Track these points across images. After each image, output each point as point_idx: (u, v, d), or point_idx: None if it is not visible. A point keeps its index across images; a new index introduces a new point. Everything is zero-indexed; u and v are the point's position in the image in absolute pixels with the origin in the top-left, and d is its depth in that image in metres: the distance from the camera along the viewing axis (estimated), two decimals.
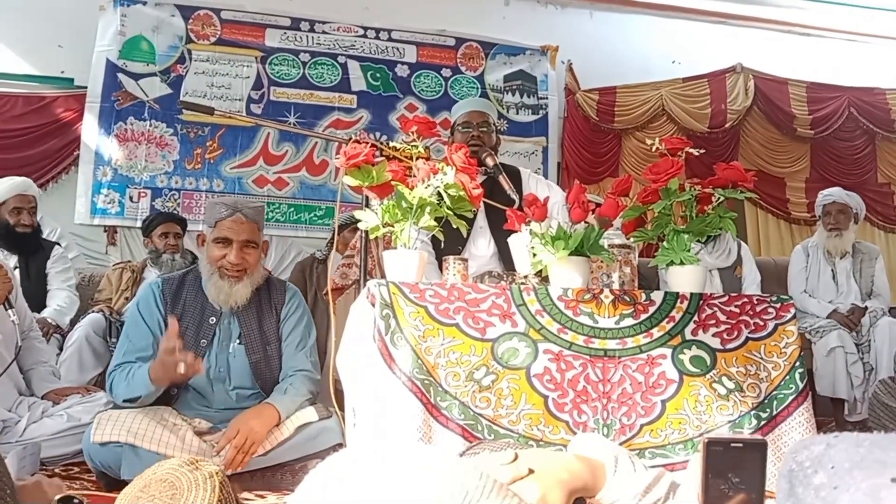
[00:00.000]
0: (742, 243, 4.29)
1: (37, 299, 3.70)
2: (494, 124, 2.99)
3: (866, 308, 4.07)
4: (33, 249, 3.90)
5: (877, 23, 6.38)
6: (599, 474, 0.94)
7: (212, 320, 2.46)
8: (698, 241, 2.26)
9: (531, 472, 0.88)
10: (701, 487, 0.78)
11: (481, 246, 2.81)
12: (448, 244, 2.55)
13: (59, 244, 4.13)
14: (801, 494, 0.50)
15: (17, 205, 3.83)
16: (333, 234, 4.54)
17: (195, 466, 1.23)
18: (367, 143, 2.05)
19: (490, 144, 2.87)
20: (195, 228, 4.82)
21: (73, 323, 3.78)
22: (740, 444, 0.76)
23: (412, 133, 2.06)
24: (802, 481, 0.50)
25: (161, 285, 2.49)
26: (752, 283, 4.13)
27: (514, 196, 2.61)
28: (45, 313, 3.71)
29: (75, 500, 1.28)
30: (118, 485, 2.10)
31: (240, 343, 2.46)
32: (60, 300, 3.85)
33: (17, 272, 3.66)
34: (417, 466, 0.67)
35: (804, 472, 0.51)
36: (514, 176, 2.88)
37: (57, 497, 1.27)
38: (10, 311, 2.55)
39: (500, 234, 2.73)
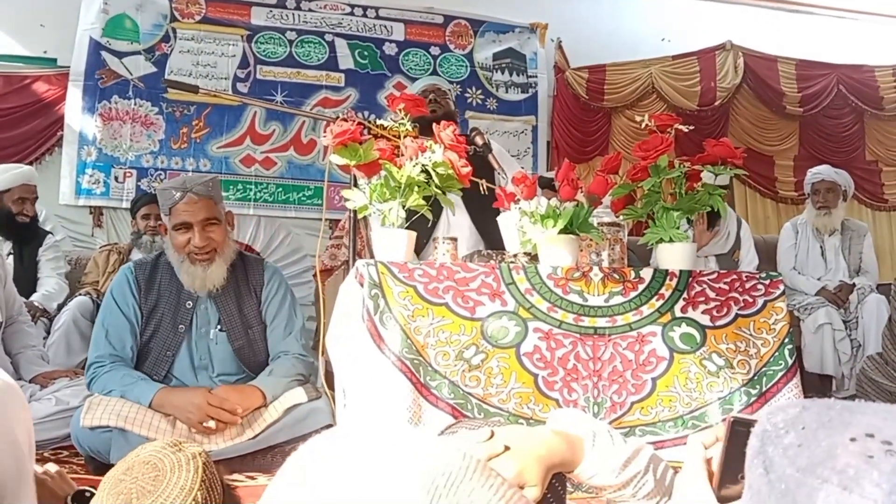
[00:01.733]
0: (743, 222, 4.26)
1: (27, 285, 3.69)
2: (447, 91, 3.20)
3: (854, 285, 4.09)
4: (28, 237, 3.87)
5: (865, 0, 6.36)
6: (577, 449, 0.94)
7: (188, 304, 2.40)
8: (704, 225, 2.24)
9: (507, 448, 0.87)
10: (719, 467, 0.77)
11: (457, 225, 2.77)
12: (417, 223, 2.53)
13: (51, 233, 4.10)
14: (770, 453, 0.51)
15: (22, 195, 3.80)
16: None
17: (178, 448, 1.22)
18: (355, 121, 2.02)
19: (447, 109, 3.00)
20: None
21: (60, 307, 3.75)
22: None
23: (400, 111, 2.03)
24: (774, 440, 0.51)
25: (134, 270, 2.43)
26: (748, 264, 4.14)
27: (504, 176, 2.59)
28: (34, 298, 3.69)
29: (87, 494, 1.27)
30: (107, 469, 2.08)
31: (220, 329, 2.41)
32: (50, 286, 3.83)
33: (10, 258, 3.65)
34: (399, 447, 0.66)
35: (777, 431, 0.52)
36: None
37: (70, 495, 1.26)
38: None
39: (477, 213, 2.72)
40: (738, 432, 0.74)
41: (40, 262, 3.90)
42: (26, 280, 3.67)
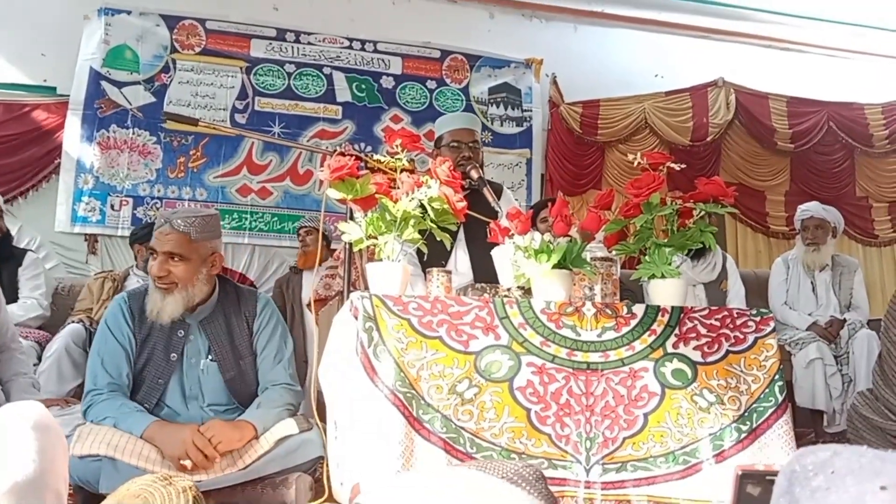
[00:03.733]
0: (728, 256, 4.34)
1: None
2: (480, 139, 2.99)
3: (845, 320, 4.11)
4: (4, 256, 3.83)
5: (856, 39, 6.49)
6: None
7: (180, 333, 2.40)
8: (685, 255, 2.28)
9: None
10: None
11: (462, 260, 2.82)
12: (432, 257, 2.55)
13: (32, 251, 4.07)
14: (797, 493, 0.52)
15: None
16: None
17: (169, 482, 1.22)
18: (352, 155, 2.05)
19: (478, 161, 2.87)
20: None
21: (52, 333, 3.73)
22: (774, 477, 0.76)
23: (396, 146, 2.06)
24: (802, 482, 0.52)
25: (127, 300, 2.43)
26: (735, 296, 4.17)
27: (498, 207, 2.62)
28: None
29: None
30: (96, 499, 2.07)
31: (211, 360, 2.41)
32: (22, 309, 3.78)
33: None
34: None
35: (806, 474, 0.52)
36: (497, 192, 2.89)
37: None
38: None
39: (476, 248, 2.74)
40: (746, 484, 0.74)
41: (20, 281, 3.86)
42: (6, 300, 3.64)
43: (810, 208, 4.41)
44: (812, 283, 4.36)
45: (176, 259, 2.33)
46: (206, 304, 2.43)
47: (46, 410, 1.01)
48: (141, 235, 4.24)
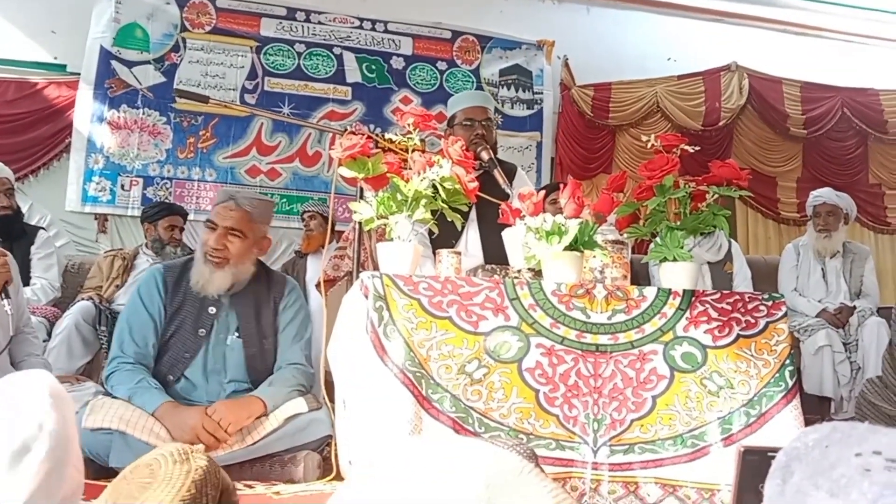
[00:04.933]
0: (732, 241, 4.32)
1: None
2: (493, 118, 2.96)
3: (854, 307, 4.09)
4: (16, 234, 3.85)
5: (872, 24, 6.41)
6: None
7: (211, 310, 2.45)
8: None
9: None
10: (733, 497, 0.78)
11: (473, 240, 2.81)
12: (442, 237, 2.55)
13: (44, 229, 4.09)
14: (793, 467, 0.53)
15: None
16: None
17: (185, 458, 1.23)
18: (363, 134, 2.04)
19: (491, 141, 2.85)
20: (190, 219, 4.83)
21: (61, 310, 3.75)
22: (776, 454, 0.76)
23: (408, 125, 2.05)
24: (801, 457, 0.53)
25: (163, 271, 2.49)
26: (742, 279, 4.16)
27: (509, 190, 2.61)
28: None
29: None
30: (105, 472, 2.10)
31: (237, 336, 2.45)
32: (35, 293, 3.80)
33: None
34: (460, 449, 0.70)
35: (806, 449, 0.53)
36: (510, 173, 2.88)
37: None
38: (5, 301, 2.53)
39: (487, 229, 2.73)
40: (749, 461, 0.75)
41: (32, 260, 3.88)
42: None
43: (823, 194, 4.37)
44: (822, 269, 4.33)
45: (234, 235, 2.40)
46: (240, 282, 2.48)
47: (56, 379, 1.01)
48: (151, 214, 4.25)
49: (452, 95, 4.46)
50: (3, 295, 2.51)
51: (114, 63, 5.01)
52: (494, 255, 2.60)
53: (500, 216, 2.13)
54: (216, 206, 2.43)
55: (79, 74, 4.96)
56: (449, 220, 2.02)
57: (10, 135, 4.81)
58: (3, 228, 3.76)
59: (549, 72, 5.81)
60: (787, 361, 1.98)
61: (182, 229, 4.18)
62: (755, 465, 0.72)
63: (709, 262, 4.10)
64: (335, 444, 2.16)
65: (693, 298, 1.99)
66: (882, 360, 3.41)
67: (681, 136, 2.33)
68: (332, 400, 2.16)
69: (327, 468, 2.29)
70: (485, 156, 2.74)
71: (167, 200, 4.86)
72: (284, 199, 5.22)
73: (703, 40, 6.12)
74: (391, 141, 2.17)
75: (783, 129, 6.01)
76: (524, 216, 2.01)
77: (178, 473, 1.20)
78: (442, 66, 5.61)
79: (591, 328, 1.92)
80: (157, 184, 5.04)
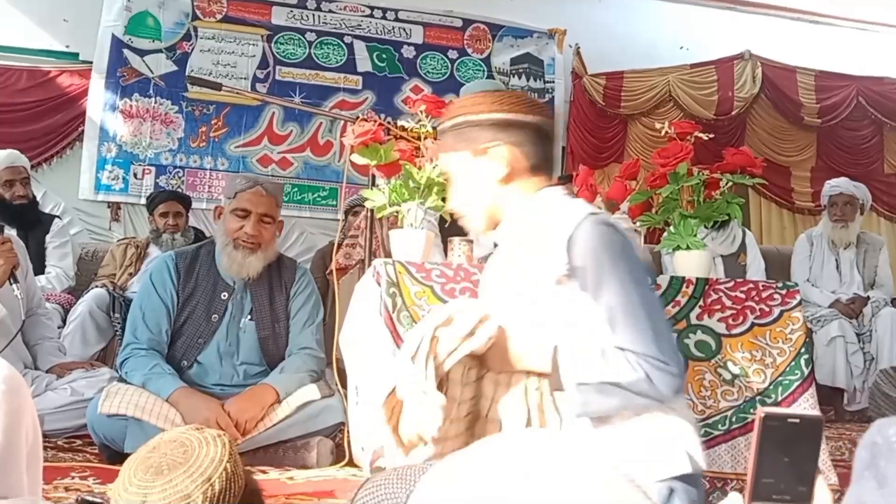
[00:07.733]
0: (747, 231, 4.29)
1: (36, 273, 3.70)
2: None
3: (868, 298, 4.06)
4: (32, 223, 3.87)
5: (888, 12, 6.32)
6: None
7: (223, 296, 2.47)
8: (704, 226, 2.25)
9: None
10: (753, 463, 0.77)
11: None
12: (454, 225, 2.54)
13: (59, 217, 4.11)
14: (882, 467, 0.51)
15: (8, 177, 3.80)
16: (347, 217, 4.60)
17: (201, 430, 1.26)
18: (377, 121, 2.04)
19: None
20: (199, 207, 4.83)
21: (76, 297, 3.78)
22: (797, 420, 0.75)
23: (420, 112, 2.05)
24: (886, 454, 0.51)
25: (175, 258, 2.51)
26: (756, 270, 4.13)
27: None
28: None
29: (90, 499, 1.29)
30: (120, 457, 2.11)
31: (251, 319, 2.48)
32: (50, 282, 3.83)
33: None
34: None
35: (890, 445, 0.51)
36: None
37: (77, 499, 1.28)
38: (14, 285, 2.55)
39: None
40: (770, 426, 0.74)
41: (47, 249, 3.91)
42: (34, 267, 3.68)
43: (839, 184, 4.33)
44: (836, 260, 4.30)
45: (266, 221, 2.44)
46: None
47: (9, 365, 0.96)
48: (147, 205, 4.22)
49: (463, 84, 4.45)
50: (11, 280, 2.52)
51: (125, 52, 5.02)
52: None
53: None
54: (243, 193, 2.44)
55: (91, 63, 4.97)
56: None
57: (23, 123, 4.83)
58: (19, 217, 3.79)
59: (560, 60, 5.77)
60: (803, 350, 1.97)
61: (179, 214, 4.12)
62: (775, 430, 0.72)
63: (722, 255, 4.07)
64: (348, 431, 2.17)
65: (706, 287, 1.98)
66: None
67: (694, 123, 2.31)
68: (344, 387, 2.16)
69: (340, 454, 2.31)
70: None
71: (178, 189, 4.86)
72: (296, 189, 5.22)
73: (716, 29, 6.07)
74: (403, 128, 2.17)
75: (797, 118, 5.96)
76: None
77: (210, 438, 1.23)
78: (453, 54, 5.58)
79: None
80: (170, 172, 5.05)
